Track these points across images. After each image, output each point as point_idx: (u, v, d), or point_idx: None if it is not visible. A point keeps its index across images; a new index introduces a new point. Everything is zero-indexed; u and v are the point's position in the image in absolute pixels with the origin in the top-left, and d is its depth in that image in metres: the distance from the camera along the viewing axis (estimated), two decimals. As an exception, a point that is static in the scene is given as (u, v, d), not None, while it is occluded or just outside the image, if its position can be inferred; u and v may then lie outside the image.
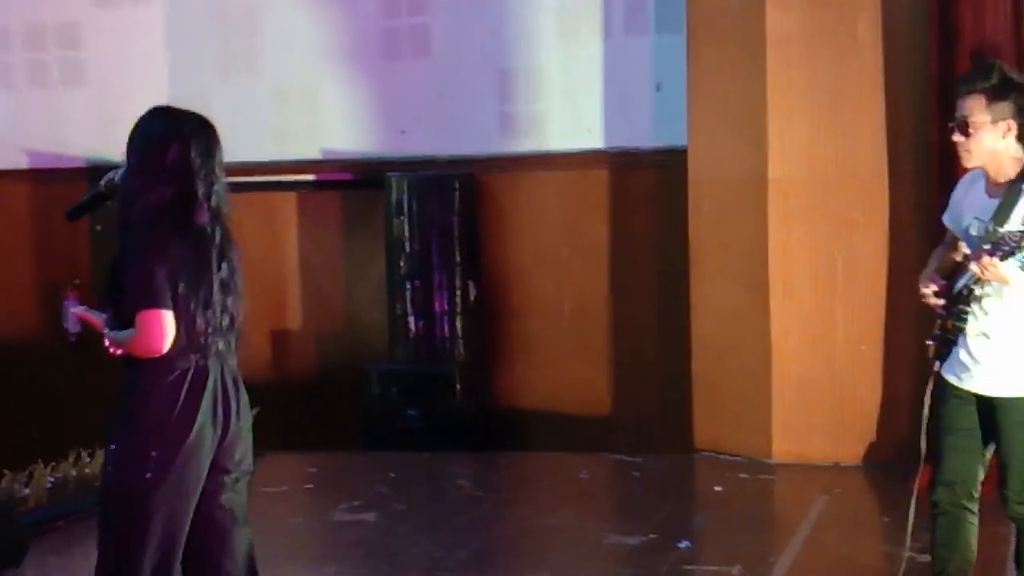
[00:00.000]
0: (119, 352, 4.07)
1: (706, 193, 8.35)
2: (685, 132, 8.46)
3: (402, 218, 9.22)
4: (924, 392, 4.79)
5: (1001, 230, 4.46)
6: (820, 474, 7.65)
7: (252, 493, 7.83)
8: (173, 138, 4.13)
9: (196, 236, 4.06)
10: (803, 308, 8.02)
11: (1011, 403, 4.67)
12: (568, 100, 9.23)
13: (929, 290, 4.69)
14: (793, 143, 8.01)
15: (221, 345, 4.10)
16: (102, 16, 10.16)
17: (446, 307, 9.18)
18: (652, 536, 6.54)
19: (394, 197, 9.24)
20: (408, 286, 9.19)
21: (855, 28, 7.91)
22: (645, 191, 9.05)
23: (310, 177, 9.85)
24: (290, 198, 9.92)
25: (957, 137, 4.68)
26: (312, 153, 9.78)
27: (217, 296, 4.08)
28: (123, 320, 4.03)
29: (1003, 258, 4.40)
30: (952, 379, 4.77)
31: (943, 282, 4.68)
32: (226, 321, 4.11)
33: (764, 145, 8.01)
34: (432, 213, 9.20)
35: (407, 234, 9.19)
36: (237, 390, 4.17)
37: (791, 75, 7.96)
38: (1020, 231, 4.38)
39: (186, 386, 4.02)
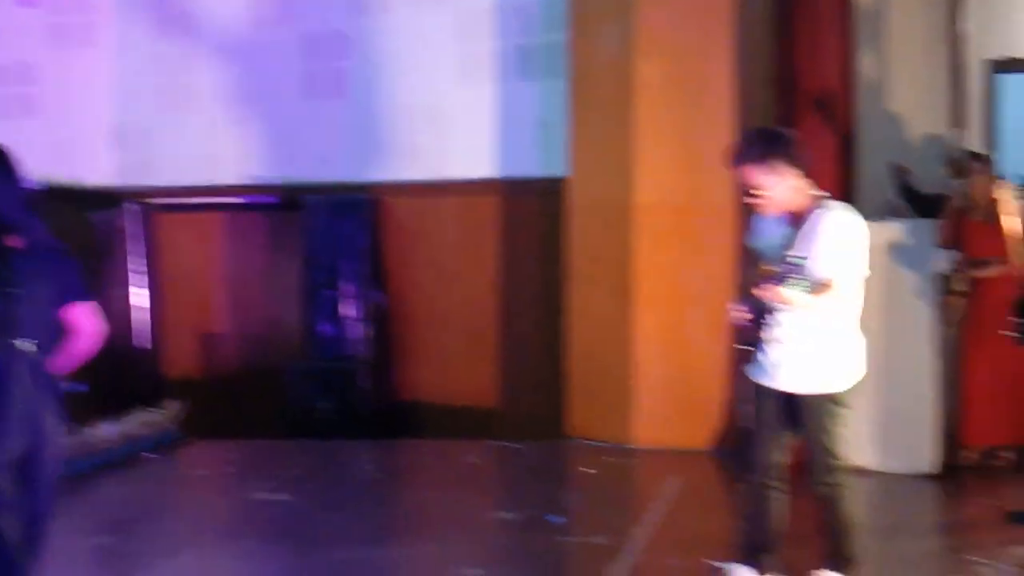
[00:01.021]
0: None
1: (582, 216, 8.39)
2: (565, 164, 8.50)
3: (317, 236, 9.18)
4: (741, 391, 4.88)
5: (789, 255, 4.55)
6: (675, 458, 7.68)
7: (181, 476, 7.80)
8: None
9: None
10: (662, 316, 8.06)
11: (808, 399, 4.77)
12: (465, 135, 9.21)
13: (737, 313, 4.78)
14: (656, 174, 8.06)
15: (13, 341, 4.00)
16: (53, 56, 10.01)
17: (354, 313, 9.13)
18: (529, 512, 6.53)
19: (311, 217, 9.19)
20: (321, 295, 9.14)
21: (709, 77, 7.96)
22: (530, 214, 9.05)
23: (239, 199, 9.75)
24: (221, 218, 9.80)
25: (753, 201, 4.74)
26: (241, 179, 9.68)
27: None
28: None
29: (781, 284, 4.48)
30: (760, 380, 4.86)
31: (746, 308, 4.75)
32: None
33: (631, 176, 8.05)
34: (344, 232, 9.15)
35: (321, 250, 9.15)
36: (33, 381, 4.05)
37: (655, 116, 7.99)
38: (795, 262, 4.47)
39: None
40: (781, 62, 7.67)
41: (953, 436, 7.42)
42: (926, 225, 7.48)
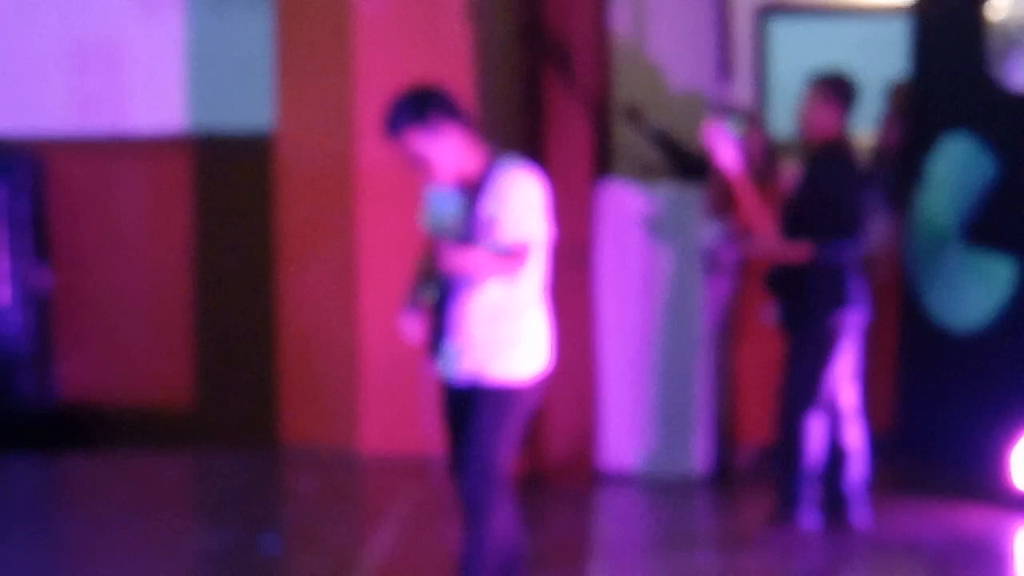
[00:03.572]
0: None
1: (294, 179, 8.38)
2: (274, 116, 8.47)
3: (-36, 200, 8.85)
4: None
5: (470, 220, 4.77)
6: (409, 466, 7.69)
7: None
8: None
9: None
10: (392, 299, 7.94)
11: (477, 390, 4.89)
12: (149, 79, 9.01)
13: (408, 327, 4.98)
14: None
15: None
16: None
17: (10, 296, 8.85)
18: (239, 535, 6.53)
19: (-48, 178, 8.87)
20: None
21: (442, 15, 7.96)
22: (232, 177, 8.93)
23: None
24: None
25: (424, 171, 4.88)
26: None
27: None
28: None
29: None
30: (445, 376, 4.98)
31: (427, 293, 4.93)
32: None
33: (352, 132, 8.04)
34: (-2, 196, 8.92)
35: (-33, 218, 8.85)
36: None
37: (378, 60, 7.96)
38: (478, 224, 4.71)
39: None
40: (528, 11, 7.77)
41: (727, 435, 7.70)
42: (691, 191, 7.73)
